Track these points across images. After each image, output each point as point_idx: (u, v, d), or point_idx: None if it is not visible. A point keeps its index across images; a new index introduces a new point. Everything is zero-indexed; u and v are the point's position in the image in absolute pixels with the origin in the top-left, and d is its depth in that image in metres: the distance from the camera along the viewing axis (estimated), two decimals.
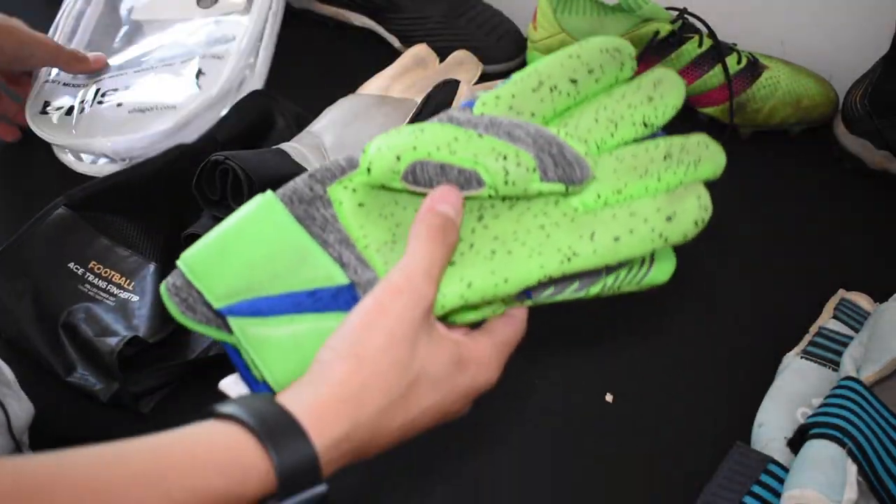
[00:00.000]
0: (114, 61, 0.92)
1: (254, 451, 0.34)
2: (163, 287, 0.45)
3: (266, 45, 0.94)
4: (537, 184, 0.44)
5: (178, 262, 0.44)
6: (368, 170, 0.44)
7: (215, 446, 0.34)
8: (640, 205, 0.45)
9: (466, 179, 0.44)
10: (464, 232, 0.46)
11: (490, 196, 0.45)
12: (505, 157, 0.44)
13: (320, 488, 0.36)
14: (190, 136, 0.85)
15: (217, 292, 0.43)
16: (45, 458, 0.33)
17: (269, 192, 0.46)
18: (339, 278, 0.45)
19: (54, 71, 0.92)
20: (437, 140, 0.44)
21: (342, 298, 0.45)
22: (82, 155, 0.88)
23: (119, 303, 0.73)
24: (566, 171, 0.44)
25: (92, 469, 0.33)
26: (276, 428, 0.35)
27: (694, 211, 0.44)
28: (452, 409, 0.43)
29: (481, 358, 0.43)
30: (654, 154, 0.47)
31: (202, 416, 0.36)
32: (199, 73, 0.88)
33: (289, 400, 0.37)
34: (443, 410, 0.42)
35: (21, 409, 0.63)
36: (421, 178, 0.44)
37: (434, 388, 0.41)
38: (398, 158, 0.44)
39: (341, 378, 0.37)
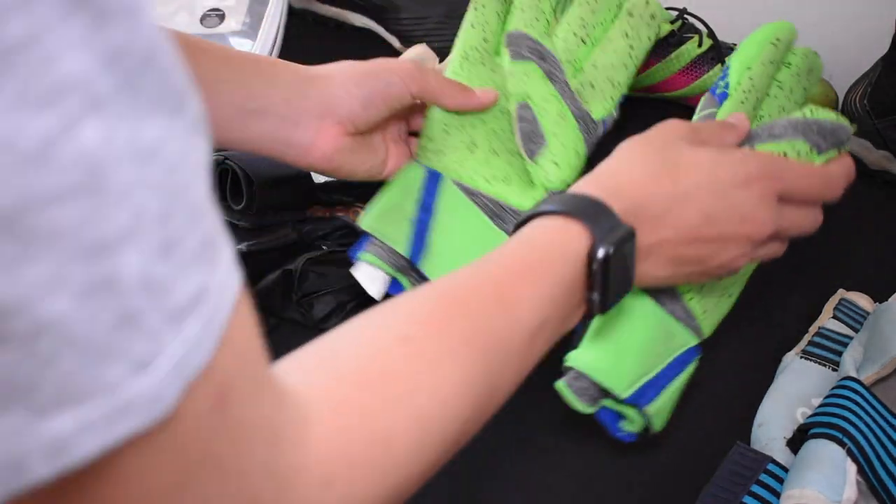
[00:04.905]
0: None
1: (584, 234, 0.49)
2: (562, 385, 0.57)
3: None
4: None
5: (578, 366, 0.58)
6: None
7: (567, 245, 0.49)
8: None
9: None
10: None
11: None
12: None
13: (625, 227, 0.49)
14: None
15: (621, 385, 0.56)
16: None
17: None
18: (691, 341, 0.58)
19: None
20: None
21: (690, 356, 0.58)
22: None
23: None
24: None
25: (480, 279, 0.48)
26: (591, 211, 0.50)
27: None
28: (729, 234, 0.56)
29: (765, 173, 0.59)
30: None
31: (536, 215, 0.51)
32: None
33: (586, 189, 0.52)
34: (716, 230, 0.55)
35: None
36: None
37: (709, 193, 0.55)
38: None
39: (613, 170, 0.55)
